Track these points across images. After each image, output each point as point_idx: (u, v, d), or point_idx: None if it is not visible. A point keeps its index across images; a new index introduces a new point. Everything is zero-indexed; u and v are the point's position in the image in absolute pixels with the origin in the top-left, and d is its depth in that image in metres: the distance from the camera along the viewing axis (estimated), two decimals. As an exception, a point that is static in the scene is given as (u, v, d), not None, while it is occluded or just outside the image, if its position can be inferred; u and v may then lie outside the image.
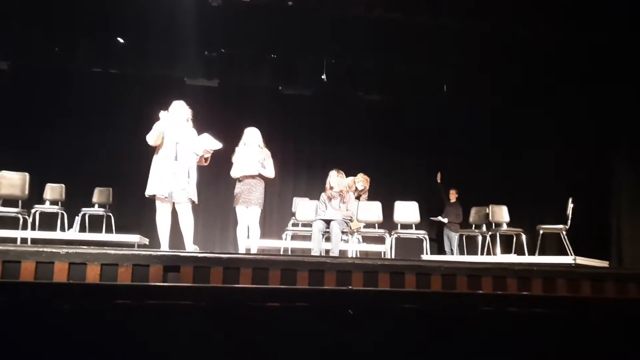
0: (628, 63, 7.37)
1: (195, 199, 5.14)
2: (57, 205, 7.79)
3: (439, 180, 9.04)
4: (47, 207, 7.73)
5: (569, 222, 6.97)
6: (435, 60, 8.10)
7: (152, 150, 5.23)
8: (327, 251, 6.45)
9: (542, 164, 8.79)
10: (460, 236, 8.59)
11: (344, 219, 6.37)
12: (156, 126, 5.11)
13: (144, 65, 8.16)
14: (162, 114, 5.14)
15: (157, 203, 5.08)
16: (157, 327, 1.97)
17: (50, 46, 7.85)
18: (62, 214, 7.74)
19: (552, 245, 7.75)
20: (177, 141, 5.09)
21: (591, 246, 7.22)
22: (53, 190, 7.90)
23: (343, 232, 6.37)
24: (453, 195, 8.91)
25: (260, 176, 5.69)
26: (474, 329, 2.09)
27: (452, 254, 8.52)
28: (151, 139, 5.12)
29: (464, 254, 8.46)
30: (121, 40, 8.02)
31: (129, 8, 7.13)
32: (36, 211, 7.49)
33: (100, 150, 8.63)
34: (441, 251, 8.97)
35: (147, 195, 5.11)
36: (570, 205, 6.99)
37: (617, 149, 7.72)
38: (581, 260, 6.38)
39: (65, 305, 1.80)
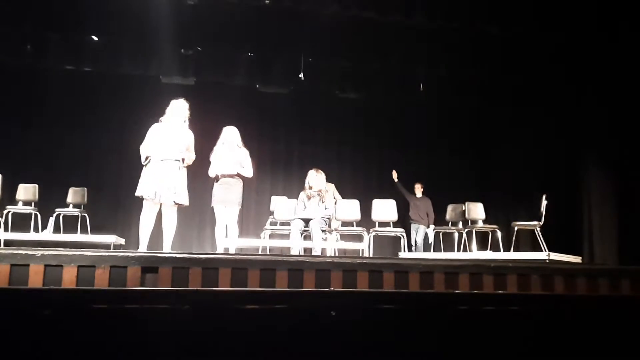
0: (595, 63, 7.57)
1: (183, 202, 5.13)
2: (31, 205, 7.66)
3: (396, 180, 8.67)
4: (20, 208, 7.60)
5: (543, 218, 7.12)
6: (410, 59, 8.19)
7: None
8: (306, 250, 6.47)
9: (516, 162, 8.96)
10: (437, 232, 8.56)
11: (322, 218, 6.40)
12: (143, 151, 5.12)
13: (119, 63, 8.06)
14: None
15: (144, 202, 5.07)
16: (137, 331, 1.97)
17: (22, 44, 7.70)
18: (36, 214, 7.62)
19: (527, 241, 7.89)
20: (168, 142, 5.07)
21: (564, 242, 7.39)
22: (26, 191, 7.76)
23: (322, 231, 6.41)
24: (419, 190, 8.70)
25: (239, 175, 5.69)
26: (453, 328, 2.14)
27: (422, 249, 8.37)
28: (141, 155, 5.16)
29: (430, 250, 8.47)
30: (95, 38, 7.91)
31: (103, 5, 7.05)
32: (9, 212, 7.36)
33: (75, 149, 8.51)
34: (411, 248, 8.87)
35: (136, 195, 5.10)
36: (544, 202, 7.13)
37: (587, 148, 7.92)
38: (555, 256, 6.52)
39: (46, 311, 1.79)
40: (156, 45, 7.87)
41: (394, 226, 7.20)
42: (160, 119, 5.27)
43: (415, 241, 8.50)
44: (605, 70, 7.48)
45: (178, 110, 5.24)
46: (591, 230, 7.59)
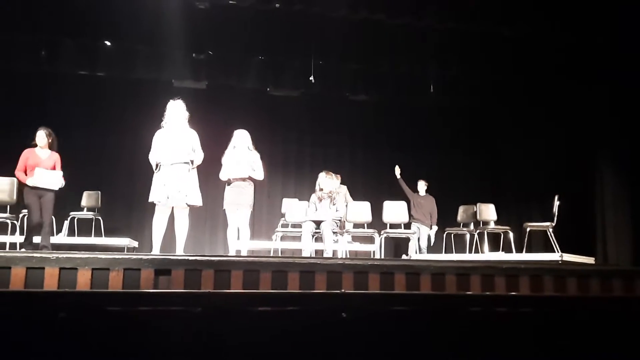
0: (608, 64, 7.51)
1: (196, 203, 5.17)
2: (45, 209, 7.73)
3: (398, 176, 8.23)
4: (35, 212, 7.66)
5: (555, 219, 7.07)
6: (420, 60, 8.19)
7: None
8: (318, 252, 6.48)
9: (528, 162, 8.90)
10: (448, 234, 8.48)
11: (333, 220, 6.42)
12: (152, 159, 5.19)
13: (132, 67, 8.11)
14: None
15: (157, 206, 5.13)
16: (150, 333, 1.99)
17: (37, 49, 7.80)
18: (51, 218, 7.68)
19: (539, 242, 7.85)
20: (174, 146, 5.12)
21: (577, 243, 7.34)
22: (41, 195, 7.82)
23: (333, 233, 6.42)
24: (422, 187, 8.36)
25: (250, 178, 5.71)
26: (464, 330, 2.14)
27: (420, 252, 8.01)
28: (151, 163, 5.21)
29: (441, 251, 8.39)
30: (108, 43, 7.98)
31: (116, 11, 7.11)
32: (24, 216, 7.43)
33: (88, 153, 8.57)
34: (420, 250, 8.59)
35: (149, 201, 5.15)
36: (557, 203, 7.09)
37: (600, 148, 7.87)
38: (567, 257, 6.48)
39: (61, 313, 1.81)
40: (168, 50, 7.94)
41: (405, 227, 7.19)
42: (162, 124, 5.31)
43: (419, 246, 8.09)
44: (619, 70, 7.42)
45: (176, 112, 5.27)
46: (605, 230, 7.53)
